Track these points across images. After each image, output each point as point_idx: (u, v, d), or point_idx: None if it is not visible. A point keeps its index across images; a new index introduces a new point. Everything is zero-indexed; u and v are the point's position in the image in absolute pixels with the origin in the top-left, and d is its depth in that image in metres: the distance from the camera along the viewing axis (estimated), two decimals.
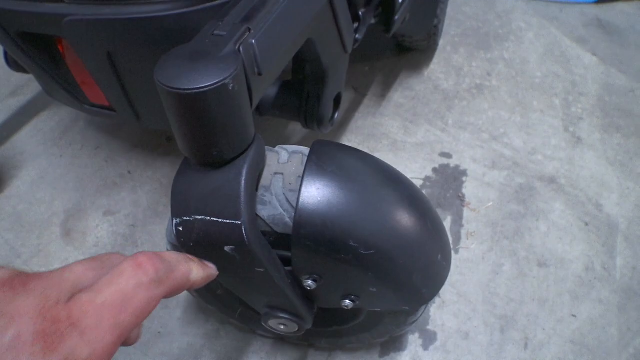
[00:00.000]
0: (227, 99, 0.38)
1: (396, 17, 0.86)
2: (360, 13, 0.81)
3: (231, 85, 0.38)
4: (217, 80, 0.37)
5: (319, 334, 0.68)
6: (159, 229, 0.90)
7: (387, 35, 0.91)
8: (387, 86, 1.18)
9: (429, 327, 0.79)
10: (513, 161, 1.03)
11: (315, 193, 0.45)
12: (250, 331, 0.74)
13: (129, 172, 1.01)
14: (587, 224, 0.93)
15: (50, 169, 1.05)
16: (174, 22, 0.58)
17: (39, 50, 0.74)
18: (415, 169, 0.98)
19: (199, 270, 0.41)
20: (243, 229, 0.42)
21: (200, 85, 0.37)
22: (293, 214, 0.45)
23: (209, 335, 0.76)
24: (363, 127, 1.08)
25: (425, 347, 0.77)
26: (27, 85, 1.35)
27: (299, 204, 0.44)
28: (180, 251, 0.57)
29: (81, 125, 1.14)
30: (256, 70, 0.43)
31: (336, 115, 0.82)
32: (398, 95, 1.16)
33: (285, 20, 0.49)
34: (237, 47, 0.41)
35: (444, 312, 0.80)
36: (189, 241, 0.45)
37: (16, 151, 1.12)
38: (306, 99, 0.78)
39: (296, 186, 0.46)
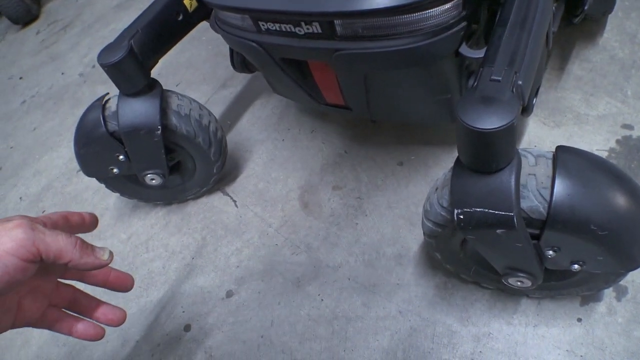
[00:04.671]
0: (511, 132, 0.55)
1: (585, 7, 0.96)
2: (553, 8, 0.92)
3: (515, 122, 0.54)
4: (507, 122, 0.54)
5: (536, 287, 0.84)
6: (382, 200, 1.08)
7: (574, 22, 1.00)
8: (564, 58, 1.26)
9: (621, 283, 0.91)
10: None
11: (564, 190, 0.60)
12: (473, 284, 0.92)
13: (346, 152, 1.20)
14: None
15: (276, 151, 1.28)
16: (418, 51, 0.74)
17: (293, 68, 0.94)
18: (599, 141, 1.07)
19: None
20: (514, 218, 0.59)
21: (496, 126, 0.54)
22: (545, 205, 0.61)
23: (438, 286, 0.93)
24: (547, 101, 1.17)
25: (619, 298, 0.89)
26: (235, 77, 1.59)
27: (553, 199, 0.60)
28: (444, 231, 0.75)
29: (293, 111, 1.35)
30: (521, 103, 0.59)
31: (534, 102, 0.95)
32: (576, 67, 1.23)
33: (534, 53, 0.64)
34: (512, 90, 0.57)
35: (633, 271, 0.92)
36: (469, 225, 0.63)
37: (243, 137, 1.36)
38: None
39: (547, 184, 0.62)
